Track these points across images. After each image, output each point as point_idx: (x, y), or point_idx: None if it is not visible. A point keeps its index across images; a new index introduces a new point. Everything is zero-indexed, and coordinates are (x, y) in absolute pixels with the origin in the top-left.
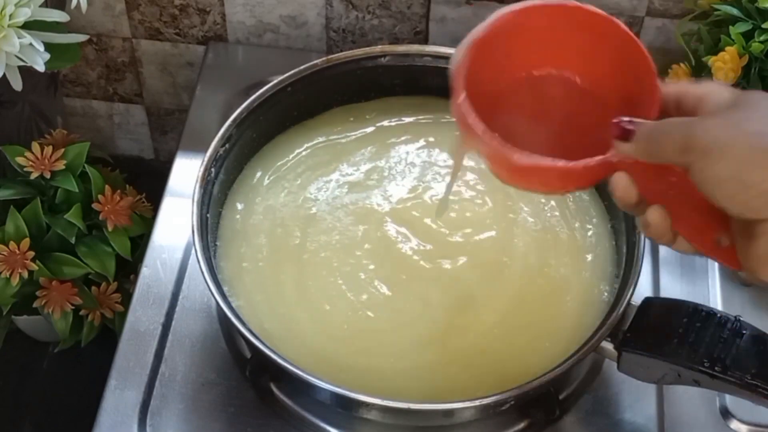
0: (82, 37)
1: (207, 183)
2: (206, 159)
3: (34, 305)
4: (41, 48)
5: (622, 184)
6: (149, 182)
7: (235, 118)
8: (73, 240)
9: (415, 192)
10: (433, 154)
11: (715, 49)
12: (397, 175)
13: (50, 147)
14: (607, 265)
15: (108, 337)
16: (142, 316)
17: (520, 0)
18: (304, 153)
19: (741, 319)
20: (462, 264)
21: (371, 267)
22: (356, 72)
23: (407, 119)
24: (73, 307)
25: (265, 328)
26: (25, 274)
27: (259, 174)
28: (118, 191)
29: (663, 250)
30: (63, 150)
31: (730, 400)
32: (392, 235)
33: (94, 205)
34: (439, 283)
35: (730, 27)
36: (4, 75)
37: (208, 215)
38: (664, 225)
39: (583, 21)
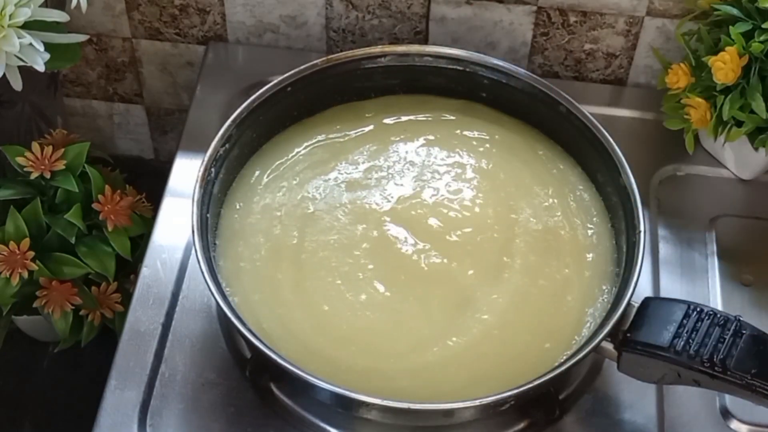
0: (82, 37)
1: (207, 183)
2: (206, 159)
3: (34, 305)
4: (41, 48)
5: None
6: (149, 182)
7: (235, 118)
8: (73, 240)
9: (414, 191)
10: (432, 153)
11: (715, 49)
12: (396, 174)
13: (50, 147)
14: (608, 265)
15: (108, 337)
16: (142, 316)
17: None
18: (303, 152)
19: (741, 319)
20: (462, 264)
21: (370, 267)
22: (356, 72)
23: (406, 117)
24: (73, 307)
25: (263, 327)
26: (25, 274)
27: (257, 173)
28: (118, 191)
29: (663, 250)
30: (63, 150)
31: (730, 400)
32: (391, 234)
33: (94, 205)
34: (438, 283)
35: (730, 27)
36: (4, 75)
37: (208, 215)
38: None
39: None
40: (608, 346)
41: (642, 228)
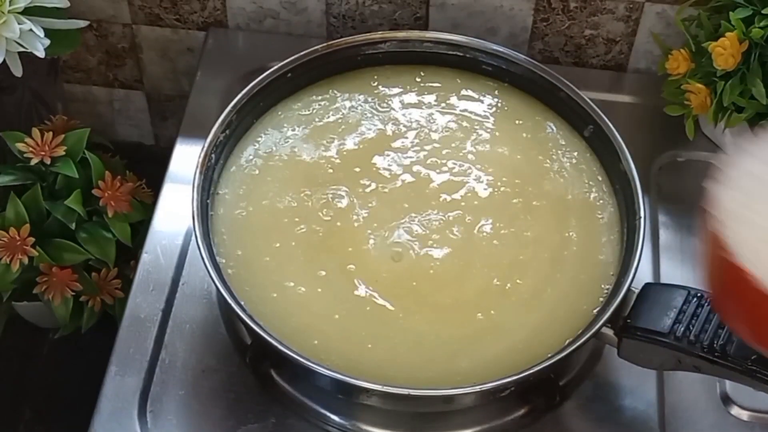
0: (82, 23)
1: (207, 169)
2: (206, 145)
3: (34, 291)
4: (41, 34)
5: None
6: (149, 168)
7: (236, 104)
8: (73, 226)
9: (411, 170)
10: (434, 118)
11: (716, 34)
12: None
13: (50, 133)
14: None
15: (108, 324)
16: (143, 303)
17: None
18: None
19: None
20: (466, 252)
21: (373, 254)
22: (356, 58)
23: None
24: (73, 293)
25: (263, 314)
26: (25, 260)
27: (250, 156)
28: (119, 177)
29: (663, 236)
30: (63, 136)
31: (731, 386)
32: (394, 217)
33: (95, 191)
34: (440, 266)
35: (730, 13)
36: (4, 61)
37: (209, 201)
38: None
39: None
40: (608, 332)
41: (642, 214)
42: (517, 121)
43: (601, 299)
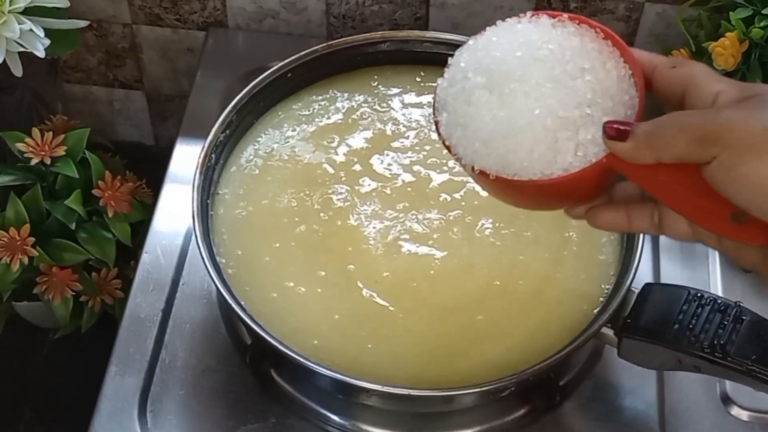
0: (82, 23)
1: (207, 169)
2: (206, 145)
3: (34, 291)
4: (41, 34)
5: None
6: (149, 168)
7: (236, 104)
8: (73, 226)
9: (411, 170)
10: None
11: (716, 34)
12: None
13: (50, 133)
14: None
15: (108, 324)
16: (143, 303)
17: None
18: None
19: (741, 305)
20: (466, 252)
21: (373, 254)
22: (356, 58)
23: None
24: (73, 294)
25: (263, 313)
26: (26, 260)
27: (250, 156)
28: (119, 177)
29: (663, 236)
30: (63, 136)
31: (731, 387)
32: (394, 217)
33: (95, 191)
34: (440, 266)
35: (731, 13)
36: (5, 61)
37: (209, 201)
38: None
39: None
40: (608, 332)
41: None
42: None
43: (602, 299)
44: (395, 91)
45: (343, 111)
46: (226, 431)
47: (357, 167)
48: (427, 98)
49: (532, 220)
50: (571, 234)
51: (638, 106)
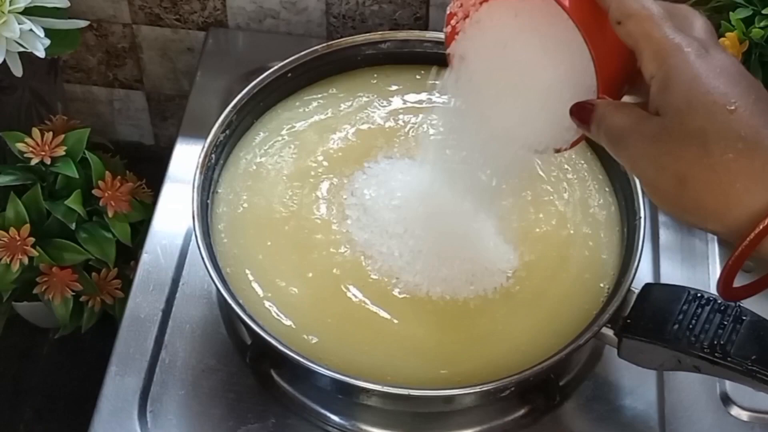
0: (82, 23)
1: (207, 169)
2: (206, 145)
3: (35, 291)
4: (41, 34)
5: None
6: (149, 168)
7: (236, 104)
8: (73, 226)
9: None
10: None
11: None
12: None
13: (50, 133)
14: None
15: (108, 324)
16: (143, 303)
17: None
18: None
19: (741, 305)
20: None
21: (374, 256)
22: (356, 58)
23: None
24: (73, 294)
25: (263, 314)
26: (26, 260)
27: (251, 156)
28: (119, 177)
29: (663, 236)
30: (63, 136)
31: (731, 387)
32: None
33: (95, 191)
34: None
35: (731, 13)
36: (5, 61)
37: (209, 201)
38: None
39: None
40: (608, 332)
41: (642, 214)
42: None
43: (602, 299)
44: (395, 89)
45: (343, 111)
46: (226, 431)
47: (357, 167)
48: (427, 98)
49: (534, 219)
50: (572, 233)
51: None
